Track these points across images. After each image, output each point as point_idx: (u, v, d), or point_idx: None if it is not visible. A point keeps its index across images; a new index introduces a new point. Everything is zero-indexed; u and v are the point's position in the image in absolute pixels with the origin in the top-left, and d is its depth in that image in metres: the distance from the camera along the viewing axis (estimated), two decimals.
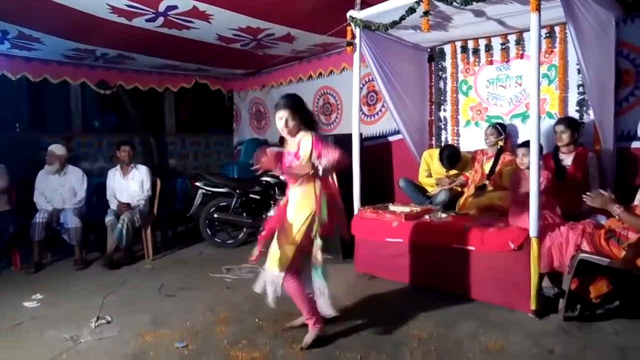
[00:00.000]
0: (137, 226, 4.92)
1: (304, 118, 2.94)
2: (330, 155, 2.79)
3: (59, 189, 5.01)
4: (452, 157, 4.60)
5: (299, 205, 2.86)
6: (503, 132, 4.48)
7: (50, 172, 5.01)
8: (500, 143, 4.44)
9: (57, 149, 5.09)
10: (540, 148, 3.32)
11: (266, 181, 5.75)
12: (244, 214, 5.59)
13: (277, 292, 2.84)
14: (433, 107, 5.36)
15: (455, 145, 5.07)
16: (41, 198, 4.94)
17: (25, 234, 4.76)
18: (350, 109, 4.75)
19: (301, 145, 2.88)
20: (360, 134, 4.54)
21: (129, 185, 5.17)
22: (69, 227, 4.78)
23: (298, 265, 2.89)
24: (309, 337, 2.88)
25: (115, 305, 3.69)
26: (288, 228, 2.85)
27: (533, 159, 3.20)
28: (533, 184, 3.18)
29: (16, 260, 4.81)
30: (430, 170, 4.93)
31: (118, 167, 5.24)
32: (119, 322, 3.33)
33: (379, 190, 5.24)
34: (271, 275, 2.85)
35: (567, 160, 3.98)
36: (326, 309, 2.93)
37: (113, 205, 5.06)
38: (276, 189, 5.72)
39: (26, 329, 3.26)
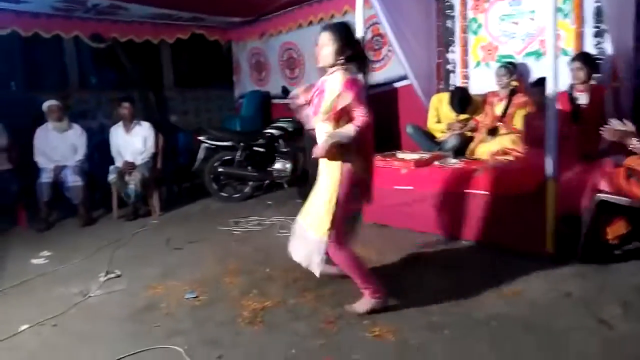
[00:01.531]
0: (147, 184, 4.87)
1: (344, 49, 2.43)
2: (360, 117, 2.36)
3: (59, 146, 4.89)
4: (462, 100, 4.44)
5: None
6: (514, 72, 4.29)
7: (56, 128, 4.89)
8: (514, 83, 4.26)
9: (59, 103, 4.95)
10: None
11: (270, 133, 5.63)
12: (249, 167, 5.50)
13: (322, 260, 2.52)
14: (441, 48, 5.13)
15: (465, 88, 4.88)
16: (41, 157, 4.83)
17: (29, 193, 4.70)
18: None
19: (327, 84, 2.45)
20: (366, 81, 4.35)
21: (133, 141, 5.05)
22: (70, 186, 4.71)
23: (343, 228, 2.55)
24: (361, 306, 2.57)
25: (124, 259, 3.67)
26: (326, 185, 2.51)
27: (549, 99, 3.05)
28: (550, 125, 3.05)
29: (22, 218, 4.77)
30: (440, 116, 4.77)
31: (120, 123, 5.10)
32: (128, 276, 3.31)
33: (385, 139, 5.09)
34: (315, 242, 2.51)
35: (583, 98, 3.81)
36: None
37: (119, 163, 4.96)
38: (280, 141, 5.60)
39: (35, 286, 3.24)
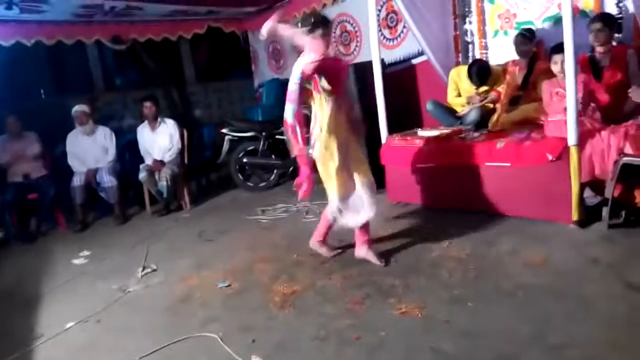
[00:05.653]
0: (176, 179, 5.03)
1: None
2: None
3: (90, 149, 5.08)
4: (481, 72, 4.34)
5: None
6: (533, 38, 4.19)
7: (83, 132, 5.07)
8: (533, 49, 4.16)
9: (84, 108, 5.13)
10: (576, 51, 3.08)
11: None
12: (273, 156, 5.58)
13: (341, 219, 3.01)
14: (457, 20, 5.02)
15: (484, 59, 4.78)
16: (74, 160, 5.03)
17: (66, 196, 4.92)
18: (369, 35, 4.51)
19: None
20: (382, 60, 4.33)
21: (159, 140, 5.19)
22: (106, 187, 4.91)
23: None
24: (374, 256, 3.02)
25: (159, 253, 3.82)
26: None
27: (568, 63, 2.98)
28: (570, 90, 2.99)
29: (61, 221, 5.01)
30: (459, 90, 4.70)
31: (146, 123, 5.24)
32: (164, 269, 3.46)
33: (406, 117, 5.07)
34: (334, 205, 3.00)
35: (605, 60, 3.68)
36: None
37: (148, 161, 5.11)
38: None
39: (77, 284, 3.42)
